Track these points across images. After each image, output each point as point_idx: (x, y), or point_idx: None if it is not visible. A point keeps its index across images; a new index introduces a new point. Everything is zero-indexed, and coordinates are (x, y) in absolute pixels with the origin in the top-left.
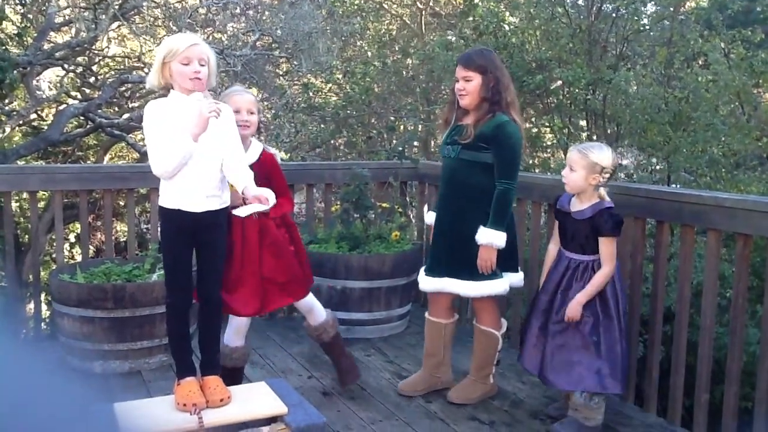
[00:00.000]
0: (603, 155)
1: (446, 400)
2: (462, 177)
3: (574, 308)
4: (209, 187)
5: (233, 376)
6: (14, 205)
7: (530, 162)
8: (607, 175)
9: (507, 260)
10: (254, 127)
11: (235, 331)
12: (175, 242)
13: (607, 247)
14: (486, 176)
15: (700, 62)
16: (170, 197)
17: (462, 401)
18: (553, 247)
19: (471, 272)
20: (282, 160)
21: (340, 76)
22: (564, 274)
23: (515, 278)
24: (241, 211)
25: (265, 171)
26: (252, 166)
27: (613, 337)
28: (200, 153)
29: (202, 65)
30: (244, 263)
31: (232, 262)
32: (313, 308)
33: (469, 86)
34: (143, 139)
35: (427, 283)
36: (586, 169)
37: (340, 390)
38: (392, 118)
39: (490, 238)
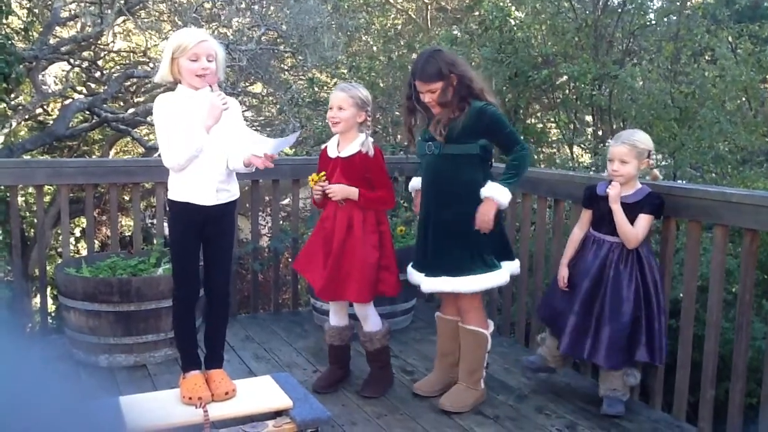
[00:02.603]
0: (646, 140)
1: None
2: (449, 172)
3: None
4: (218, 180)
5: (339, 355)
6: (20, 199)
7: (536, 157)
8: (653, 157)
9: (503, 249)
10: (345, 123)
11: (332, 312)
12: (184, 235)
13: (645, 221)
14: (473, 169)
15: (706, 57)
16: (179, 190)
17: (455, 409)
18: (578, 232)
19: (471, 267)
20: (286, 154)
21: (345, 71)
22: (606, 260)
23: (513, 266)
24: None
25: (356, 169)
26: (345, 161)
27: (651, 315)
28: (209, 147)
29: (210, 61)
30: (325, 246)
31: (318, 241)
32: (368, 318)
33: (436, 97)
34: (149, 134)
35: (428, 283)
36: (637, 159)
37: (345, 384)
38: (397, 113)
39: (495, 191)
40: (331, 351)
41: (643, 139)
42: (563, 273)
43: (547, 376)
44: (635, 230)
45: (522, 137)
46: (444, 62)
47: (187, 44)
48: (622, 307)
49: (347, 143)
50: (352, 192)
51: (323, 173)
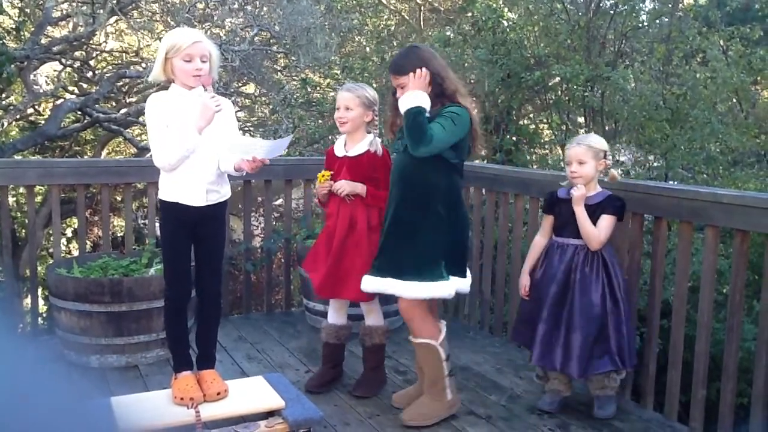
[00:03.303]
0: (600, 141)
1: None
2: (409, 171)
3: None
4: (208, 182)
5: (333, 354)
6: (11, 199)
7: (528, 158)
8: (609, 158)
9: (456, 262)
10: (352, 123)
11: (332, 310)
12: (174, 235)
13: (607, 221)
14: (436, 171)
15: (698, 59)
16: (170, 190)
17: (416, 423)
18: (541, 240)
19: (419, 273)
20: (279, 155)
21: (338, 72)
22: (571, 263)
23: (462, 284)
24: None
25: (363, 168)
26: (352, 160)
27: (619, 320)
28: (201, 147)
29: (204, 62)
30: (327, 244)
31: (323, 240)
32: (373, 312)
33: (405, 91)
34: (141, 134)
35: (368, 283)
36: (594, 159)
37: (338, 385)
38: (389, 113)
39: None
40: (325, 349)
41: (597, 140)
42: (524, 281)
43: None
44: (598, 231)
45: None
46: (417, 57)
47: (181, 44)
48: (591, 312)
49: (355, 143)
50: (360, 187)
51: (330, 171)
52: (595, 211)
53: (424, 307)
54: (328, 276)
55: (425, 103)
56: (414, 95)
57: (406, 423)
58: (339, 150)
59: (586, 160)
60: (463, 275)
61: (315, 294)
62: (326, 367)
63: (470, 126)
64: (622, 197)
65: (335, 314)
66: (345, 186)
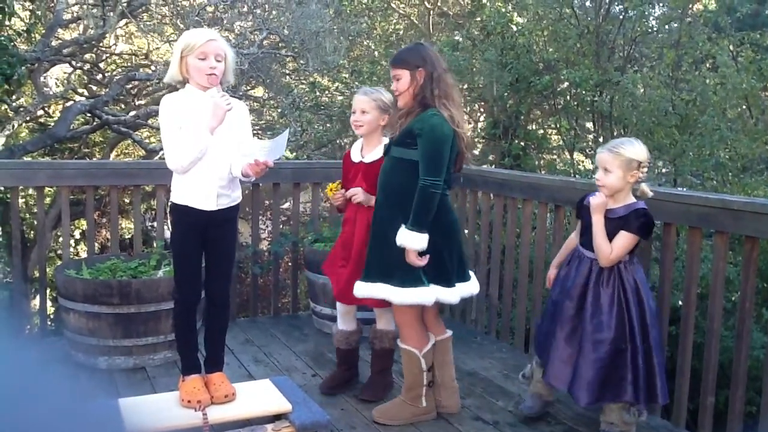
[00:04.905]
0: (636, 150)
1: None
2: (388, 175)
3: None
4: (219, 186)
5: (346, 357)
6: (20, 201)
7: (537, 163)
8: (645, 170)
9: (438, 270)
10: (368, 126)
11: (340, 315)
12: (185, 238)
13: (624, 239)
14: (409, 175)
15: (707, 65)
16: (181, 193)
17: (385, 421)
18: (575, 239)
19: (400, 278)
20: (286, 158)
21: (347, 75)
22: (588, 278)
23: (442, 293)
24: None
25: (378, 174)
26: (367, 167)
27: (636, 346)
28: (213, 150)
29: (219, 61)
30: (345, 249)
31: (340, 245)
32: (384, 315)
33: (399, 85)
34: (149, 137)
35: (360, 288)
36: (622, 168)
37: (345, 389)
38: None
39: (404, 239)
40: (338, 354)
41: (632, 148)
42: (550, 274)
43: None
44: (610, 248)
45: (442, 177)
46: (418, 55)
47: (196, 42)
48: (602, 335)
49: (371, 148)
50: (373, 201)
51: (338, 182)
52: (615, 225)
53: (413, 314)
54: (348, 283)
55: (415, 241)
56: (410, 239)
57: (375, 418)
58: (355, 155)
59: (612, 169)
60: (448, 284)
61: (335, 299)
62: (340, 369)
63: (452, 135)
64: (650, 214)
65: (343, 320)
66: (360, 195)
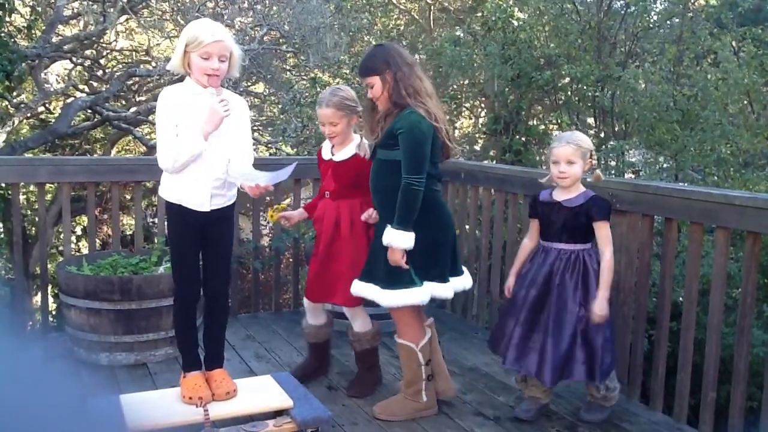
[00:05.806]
0: (587, 140)
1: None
2: (375, 177)
3: (603, 306)
4: (214, 186)
5: (317, 351)
6: (21, 197)
7: (538, 159)
8: (595, 157)
9: (431, 267)
10: (342, 135)
11: (308, 311)
12: (182, 237)
13: (603, 230)
14: (395, 176)
15: (709, 60)
16: (173, 191)
17: (386, 417)
18: (528, 243)
19: (388, 280)
20: (287, 154)
21: (347, 71)
22: (553, 267)
23: (440, 289)
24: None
25: (347, 172)
26: (337, 165)
27: (591, 329)
28: (208, 152)
29: (222, 61)
30: (316, 246)
31: (318, 243)
32: (357, 318)
33: (374, 92)
34: (150, 133)
35: (356, 287)
36: (583, 159)
37: (345, 384)
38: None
39: (390, 238)
40: (309, 347)
41: (584, 138)
42: (509, 283)
43: None
44: (606, 253)
45: (433, 174)
46: (381, 58)
47: (202, 40)
48: (565, 321)
49: (342, 147)
50: (373, 212)
51: (279, 206)
52: (577, 214)
53: (409, 311)
54: (316, 281)
55: (401, 239)
56: (396, 238)
57: (376, 414)
58: (326, 153)
59: (576, 160)
60: (443, 280)
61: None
62: (311, 359)
63: (431, 130)
64: (603, 197)
65: (312, 314)
66: (374, 214)
